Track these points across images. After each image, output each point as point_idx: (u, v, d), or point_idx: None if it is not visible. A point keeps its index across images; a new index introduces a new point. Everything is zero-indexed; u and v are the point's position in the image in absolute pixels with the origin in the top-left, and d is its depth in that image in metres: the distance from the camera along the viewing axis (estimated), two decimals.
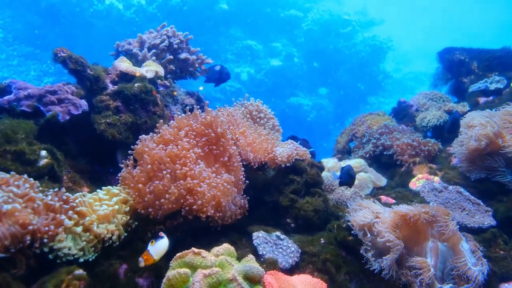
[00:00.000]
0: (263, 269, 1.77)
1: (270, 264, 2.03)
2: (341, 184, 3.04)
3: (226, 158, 2.46)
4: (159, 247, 1.84)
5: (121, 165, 2.40)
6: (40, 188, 1.90)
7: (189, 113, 2.62)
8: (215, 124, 2.51)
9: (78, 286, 1.67)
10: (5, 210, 1.61)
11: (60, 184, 2.27)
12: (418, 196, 3.00)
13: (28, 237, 1.64)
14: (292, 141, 2.99)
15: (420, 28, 29.14)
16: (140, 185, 2.17)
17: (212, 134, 2.48)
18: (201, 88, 3.70)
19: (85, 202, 2.00)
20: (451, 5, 27.26)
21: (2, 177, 1.76)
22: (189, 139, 2.39)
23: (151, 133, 2.51)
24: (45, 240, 1.72)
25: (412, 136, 4.08)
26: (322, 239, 2.38)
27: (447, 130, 3.55)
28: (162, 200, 2.11)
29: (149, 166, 2.21)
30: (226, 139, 2.52)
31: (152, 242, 1.84)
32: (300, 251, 2.25)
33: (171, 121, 2.64)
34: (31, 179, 1.88)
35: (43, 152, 2.25)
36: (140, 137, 2.42)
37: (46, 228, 1.70)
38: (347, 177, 2.89)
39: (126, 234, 2.06)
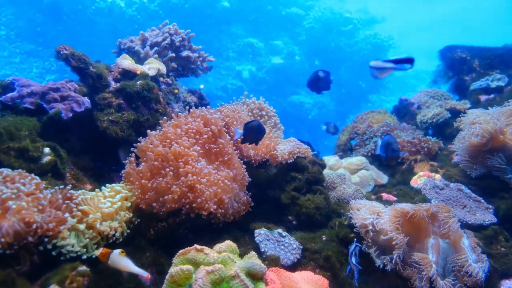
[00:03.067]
0: (265, 266, 1.78)
1: (272, 261, 2.04)
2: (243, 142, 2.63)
3: (226, 157, 2.47)
4: (122, 261, 1.70)
5: (125, 162, 2.41)
6: (44, 186, 1.91)
7: (187, 112, 2.63)
8: (210, 123, 2.52)
9: (82, 282, 1.68)
10: (11, 207, 1.62)
11: (63, 181, 2.29)
12: (420, 193, 3.00)
13: (32, 235, 1.66)
14: (294, 138, 3.00)
15: (421, 26, 29.08)
16: (143, 181, 2.18)
17: (210, 132, 2.49)
18: (202, 86, 3.71)
19: (88, 200, 2.01)
20: (453, 3, 27.17)
21: (8, 173, 1.77)
22: (188, 137, 2.40)
23: (157, 130, 2.52)
24: (46, 239, 1.73)
25: (413, 134, 4.08)
26: (323, 236, 2.39)
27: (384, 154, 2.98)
28: (165, 197, 2.12)
29: (156, 163, 2.22)
30: (223, 136, 2.53)
31: (123, 252, 1.71)
32: (301, 248, 2.26)
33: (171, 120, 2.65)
34: (37, 177, 1.89)
35: (46, 149, 2.27)
36: (148, 131, 2.43)
37: (50, 225, 1.72)
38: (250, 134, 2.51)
39: (129, 231, 2.07)
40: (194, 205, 2.13)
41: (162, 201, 2.14)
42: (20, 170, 1.86)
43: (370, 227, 2.15)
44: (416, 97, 4.99)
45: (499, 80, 4.29)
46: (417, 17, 28.86)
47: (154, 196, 2.16)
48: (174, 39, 3.52)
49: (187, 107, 2.76)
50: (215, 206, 2.16)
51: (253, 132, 2.50)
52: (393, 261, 1.97)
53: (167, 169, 2.19)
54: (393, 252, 1.97)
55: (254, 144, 2.59)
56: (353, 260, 1.96)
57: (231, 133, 2.75)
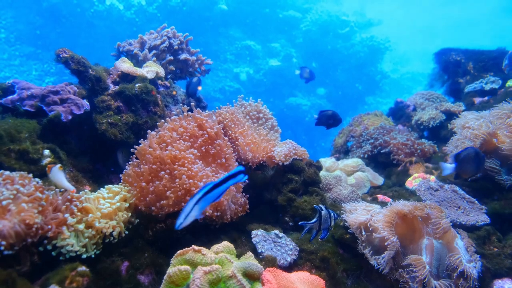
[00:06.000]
0: (262, 266, 1.81)
1: (269, 262, 2.07)
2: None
3: (223, 159, 2.50)
4: (57, 174, 2.01)
5: (126, 164, 2.42)
6: (44, 187, 1.93)
7: (182, 114, 2.65)
8: (206, 126, 2.54)
9: (81, 282, 1.71)
10: (10, 208, 1.64)
11: None
12: (415, 195, 3.04)
13: (32, 236, 1.68)
14: (291, 140, 3.04)
15: (417, 28, 29.22)
16: (143, 184, 2.21)
17: (206, 135, 2.51)
18: (199, 88, 3.74)
19: (90, 200, 2.04)
20: (448, 6, 27.32)
21: (8, 175, 1.80)
22: (184, 140, 2.42)
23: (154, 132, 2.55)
24: (46, 241, 1.76)
25: (408, 136, 4.13)
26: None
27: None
28: (163, 202, 2.14)
29: (154, 166, 2.24)
30: (221, 139, 2.55)
31: (61, 167, 2.03)
32: (298, 249, 2.29)
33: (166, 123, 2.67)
34: (38, 179, 1.92)
35: (46, 151, 2.30)
36: (149, 132, 2.45)
37: (49, 227, 1.74)
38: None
39: (127, 232, 2.10)
40: None
41: (160, 205, 2.16)
42: (21, 172, 1.89)
43: (363, 228, 2.18)
44: (412, 99, 5.04)
45: (493, 83, 4.34)
46: (413, 20, 29.00)
47: (153, 199, 2.19)
48: (173, 42, 3.55)
49: (184, 108, 2.78)
50: (210, 210, 2.19)
51: (325, 119, 3.16)
52: (384, 261, 1.99)
53: (163, 172, 2.21)
54: (385, 251, 2.00)
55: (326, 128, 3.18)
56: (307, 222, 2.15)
57: (229, 136, 2.78)
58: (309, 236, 2.43)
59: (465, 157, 2.55)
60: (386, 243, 2.01)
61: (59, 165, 2.04)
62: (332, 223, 2.15)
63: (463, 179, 3.09)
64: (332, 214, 2.14)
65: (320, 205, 2.16)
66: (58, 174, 2.02)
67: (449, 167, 2.63)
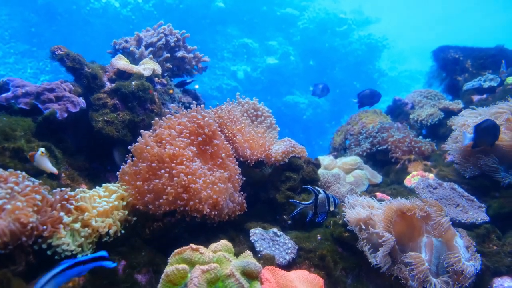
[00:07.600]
0: (260, 265, 1.79)
1: (267, 260, 2.05)
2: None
3: (219, 161, 2.47)
4: (40, 160, 2.10)
5: (120, 162, 2.40)
6: (40, 186, 1.91)
7: (182, 112, 2.62)
8: (203, 125, 2.52)
9: (78, 282, 1.69)
10: (6, 207, 1.62)
11: (58, 182, 2.28)
12: (413, 192, 3.03)
13: (27, 235, 1.65)
14: (289, 138, 3.02)
15: (415, 26, 29.26)
16: (139, 183, 2.18)
17: (204, 135, 2.49)
18: (196, 87, 3.72)
19: (86, 198, 2.02)
20: (446, 3, 27.38)
21: (1, 174, 1.77)
22: (183, 138, 2.40)
23: (151, 131, 2.52)
24: (40, 240, 1.73)
25: (406, 133, 4.11)
26: (318, 235, 2.40)
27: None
28: (161, 200, 2.12)
29: (154, 164, 2.21)
30: (217, 138, 2.53)
31: (43, 153, 2.11)
32: (297, 247, 2.27)
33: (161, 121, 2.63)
34: (36, 181, 1.89)
35: (42, 149, 2.26)
36: (142, 132, 2.42)
37: (45, 227, 1.72)
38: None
39: (124, 231, 2.07)
40: (187, 207, 2.13)
41: (158, 203, 2.14)
42: (12, 170, 1.86)
43: (362, 225, 2.16)
44: (410, 97, 5.02)
45: (492, 81, 4.32)
46: (411, 18, 29.04)
47: (151, 198, 2.16)
48: (169, 39, 3.52)
49: (180, 106, 2.76)
50: (208, 209, 2.17)
51: (366, 98, 3.39)
52: (380, 257, 1.98)
53: (162, 171, 2.18)
54: (380, 248, 1.99)
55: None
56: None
57: (226, 134, 2.76)
58: (308, 234, 2.43)
59: (485, 127, 2.78)
60: (381, 240, 2.00)
61: (39, 151, 2.09)
62: (332, 208, 2.13)
63: (462, 177, 3.09)
64: (332, 199, 2.11)
65: (317, 188, 2.14)
66: (42, 160, 2.11)
67: (468, 136, 2.84)
